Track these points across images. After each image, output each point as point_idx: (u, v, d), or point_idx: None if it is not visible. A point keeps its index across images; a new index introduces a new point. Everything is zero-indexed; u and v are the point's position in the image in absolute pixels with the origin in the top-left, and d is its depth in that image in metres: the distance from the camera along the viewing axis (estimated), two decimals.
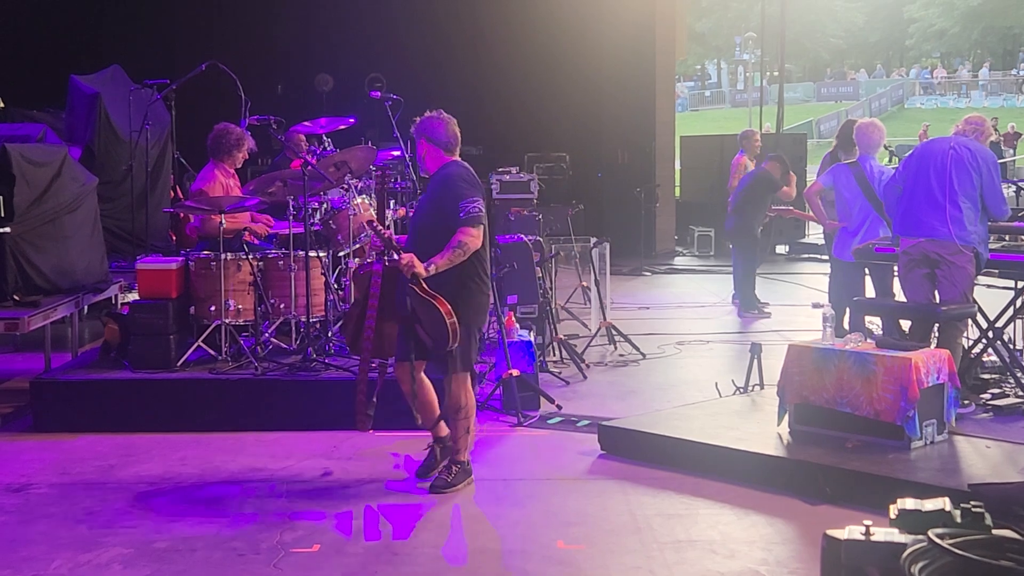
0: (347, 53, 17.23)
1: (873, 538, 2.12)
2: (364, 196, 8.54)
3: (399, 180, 11.12)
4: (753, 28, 45.52)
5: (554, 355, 9.17)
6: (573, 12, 17.31)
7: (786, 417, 6.59)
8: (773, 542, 5.25)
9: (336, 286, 8.32)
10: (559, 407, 7.66)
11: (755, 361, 7.54)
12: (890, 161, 10.70)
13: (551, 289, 9.84)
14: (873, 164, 8.77)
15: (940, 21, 60.84)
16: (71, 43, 15.50)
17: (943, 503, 2.16)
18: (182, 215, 9.70)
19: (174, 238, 10.87)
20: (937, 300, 7.29)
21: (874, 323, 8.58)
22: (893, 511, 2.19)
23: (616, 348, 9.73)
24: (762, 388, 7.50)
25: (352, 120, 9.29)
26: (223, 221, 7.74)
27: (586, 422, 7.34)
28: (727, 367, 8.90)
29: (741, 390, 7.56)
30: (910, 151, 7.95)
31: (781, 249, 17.63)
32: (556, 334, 9.28)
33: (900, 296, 7.95)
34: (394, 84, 15.76)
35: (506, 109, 17.40)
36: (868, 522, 2.15)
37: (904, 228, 7.45)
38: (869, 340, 6.65)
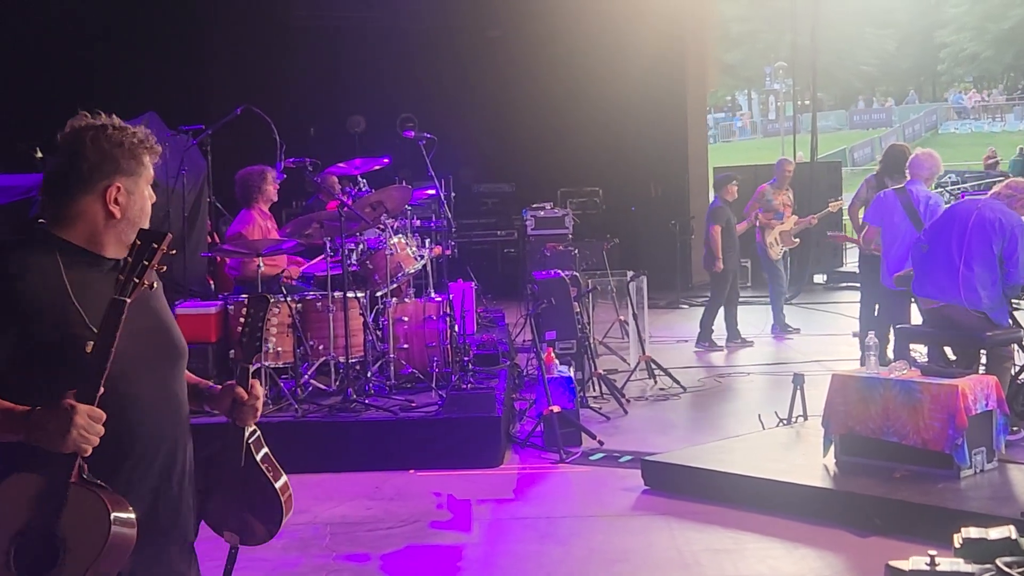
0: (378, 94, 17.35)
1: (939, 568, 2.07)
2: (400, 236, 8.59)
3: (433, 218, 11.17)
4: (783, 58, 45.52)
5: (594, 390, 9.14)
6: (602, 47, 17.35)
7: (832, 448, 6.52)
8: (823, 575, 5.18)
9: (374, 326, 8.34)
10: (601, 443, 7.62)
11: (798, 392, 7.47)
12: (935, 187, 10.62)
13: (589, 324, 9.84)
14: (919, 190, 8.70)
15: (972, 45, 60.58)
16: (106, 91, 15.68)
17: (1009, 531, 2.11)
18: (219, 259, 9.76)
19: (212, 282, 10.96)
20: None
21: (918, 351, 8.49)
22: (957, 540, 2.14)
23: (656, 382, 9.68)
24: (806, 419, 7.43)
25: (386, 160, 9.35)
26: (261, 264, 7.79)
27: (628, 457, 7.29)
28: (769, 399, 8.83)
29: (784, 422, 7.50)
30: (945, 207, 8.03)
31: (819, 278, 17.52)
32: (595, 369, 9.25)
33: None
34: (426, 123, 15.81)
35: (538, 145, 17.46)
36: (932, 552, 2.10)
37: (919, 289, 7.52)
38: (914, 368, 6.58)
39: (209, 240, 11.37)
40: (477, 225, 16.98)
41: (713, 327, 11.80)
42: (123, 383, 2.71)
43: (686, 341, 12.18)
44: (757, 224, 12.09)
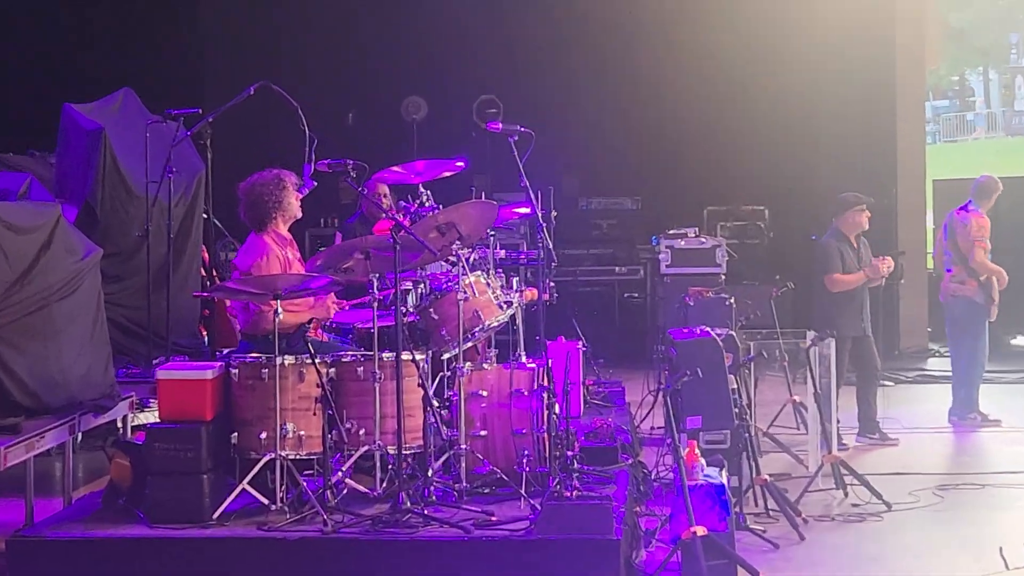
0: (447, 68, 17.47)
1: None
2: (479, 273, 8.64)
3: (524, 248, 11.19)
4: None
5: (756, 505, 9.08)
6: (773, 4, 17.26)
7: None
8: None
9: (438, 403, 8.36)
10: None
11: None
12: None
13: (750, 407, 9.74)
14: None
15: None
16: (71, 62, 15.91)
17: None
18: (218, 301, 9.86)
19: (205, 334, 11.09)
20: None
21: None
22: None
23: (847, 495, 9.59)
24: None
25: (462, 163, 9.38)
26: (279, 310, 7.85)
27: None
28: (1013, 524, 8.70)
29: None
30: None
31: (1020, 341, 17.28)
32: (758, 474, 9.18)
33: None
34: (514, 110, 15.86)
35: (674, 145, 17.46)
36: None
37: None
38: None
39: (204, 274, 11.51)
40: (586, 257, 16.96)
41: (876, 410, 11.95)
42: None
43: (890, 434, 12.05)
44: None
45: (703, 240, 14.41)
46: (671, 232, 14.64)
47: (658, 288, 14.97)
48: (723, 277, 13.87)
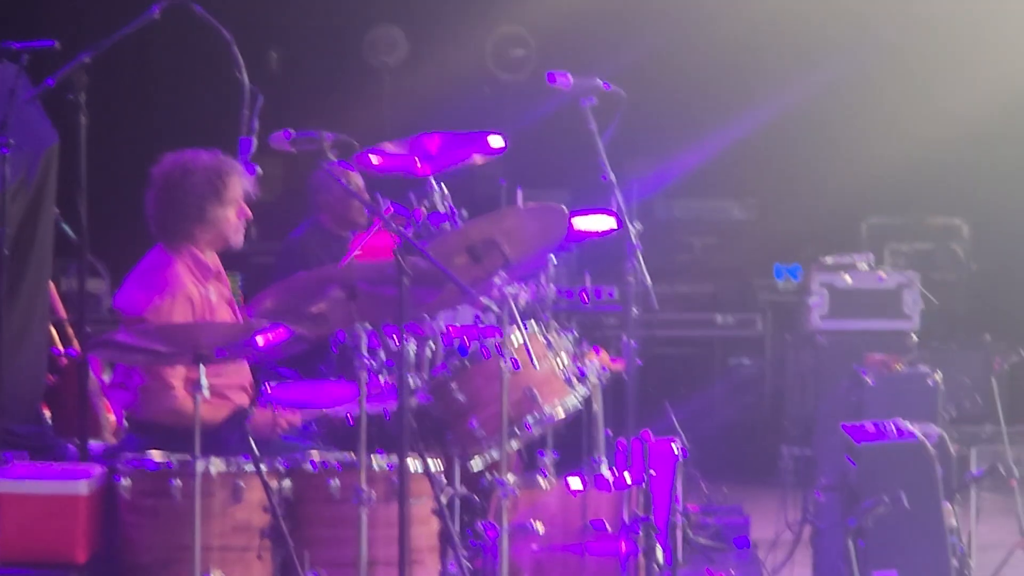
0: None
1: None
2: (535, 324, 8.56)
3: (587, 285, 11.01)
4: None
5: None
6: None
7: None
8: None
9: (462, 541, 8.19)
10: None
11: None
12: None
13: (968, 554, 9.49)
14: None
15: None
16: None
17: None
18: (71, 362, 9.56)
19: (49, 414, 10.78)
20: None
21: None
22: None
23: None
24: None
25: (501, 143, 9.11)
26: (203, 385, 7.53)
27: None
28: None
29: None
30: None
31: None
32: None
33: None
34: (554, 55, 15.75)
35: (813, 116, 17.42)
36: None
37: None
38: None
39: (53, 321, 11.25)
40: (668, 298, 16.72)
41: None
42: None
43: None
44: None
45: (881, 275, 14.23)
46: (829, 261, 14.44)
47: (800, 352, 14.78)
48: (915, 335, 13.71)
